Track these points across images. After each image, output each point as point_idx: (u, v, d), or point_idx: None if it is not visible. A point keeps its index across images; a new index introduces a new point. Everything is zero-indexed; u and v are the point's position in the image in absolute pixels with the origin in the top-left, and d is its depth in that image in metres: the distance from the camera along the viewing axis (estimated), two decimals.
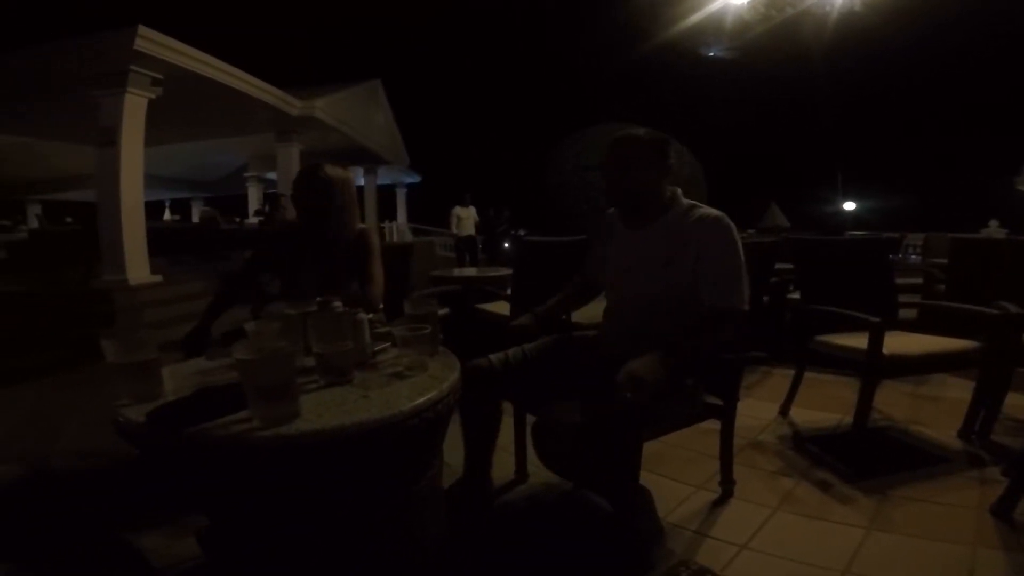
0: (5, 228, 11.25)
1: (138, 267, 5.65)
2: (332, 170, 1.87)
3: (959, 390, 2.47)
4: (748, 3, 7.12)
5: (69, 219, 14.64)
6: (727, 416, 1.65)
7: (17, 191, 13.34)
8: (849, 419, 2.29)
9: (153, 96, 5.78)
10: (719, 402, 1.62)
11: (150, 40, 5.46)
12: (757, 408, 2.48)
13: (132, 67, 5.46)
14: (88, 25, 5.82)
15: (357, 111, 11.15)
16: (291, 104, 8.62)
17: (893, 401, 2.51)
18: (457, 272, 4.13)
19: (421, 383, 1.13)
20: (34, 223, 12.80)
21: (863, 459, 1.93)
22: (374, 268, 1.91)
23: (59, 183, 12.77)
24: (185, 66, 6.04)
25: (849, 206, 19.76)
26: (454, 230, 9.82)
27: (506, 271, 3.88)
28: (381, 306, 1.85)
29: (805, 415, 2.40)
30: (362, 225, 1.98)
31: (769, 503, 1.69)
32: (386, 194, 16.27)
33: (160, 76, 5.78)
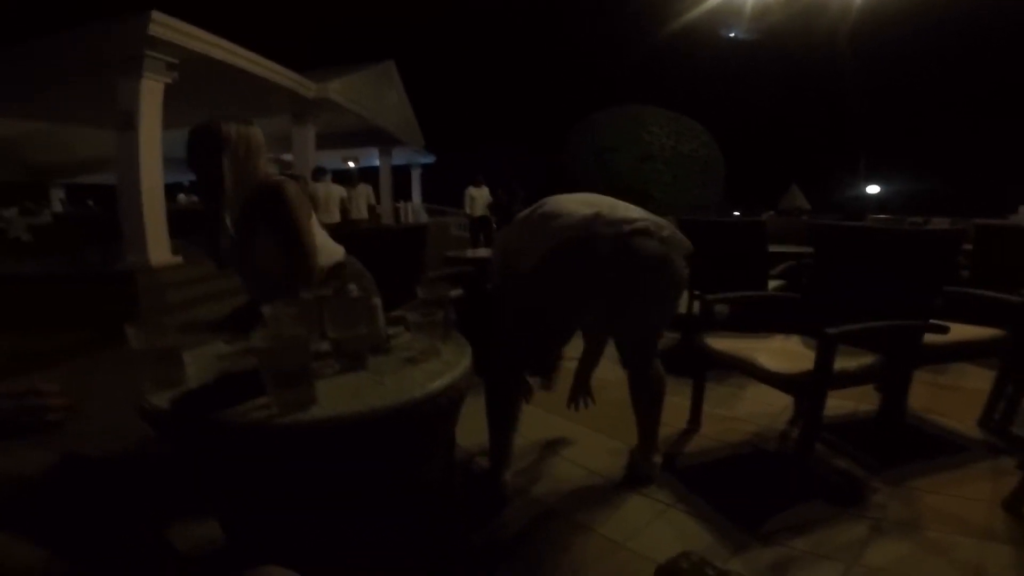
0: (30, 211, 11.47)
1: (159, 249, 5.76)
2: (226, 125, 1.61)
3: (979, 379, 2.43)
4: None
5: (91, 202, 14.90)
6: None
7: (41, 175, 13.57)
8: (865, 407, 2.28)
9: (169, 80, 5.81)
10: None
11: (164, 25, 5.49)
12: (769, 394, 2.47)
13: (147, 52, 5.50)
14: (106, 11, 5.83)
15: (371, 92, 11.12)
16: (306, 86, 8.63)
17: (911, 390, 2.47)
18: (471, 253, 4.14)
19: (434, 368, 1.15)
20: (57, 207, 13.07)
21: (881, 448, 1.93)
22: (293, 227, 1.58)
23: (81, 167, 12.98)
24: (200, 51, 6.06)
25: (872, 189, 19.33)
26: (467, 211, 9.82)
27: None
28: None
29: None
30: (277, 177, 1.65)
31: None
32: (401, 175, 16.26)
33: (175, 61, 5.81)
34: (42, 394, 0.82)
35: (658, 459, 1.85)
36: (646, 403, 1.80)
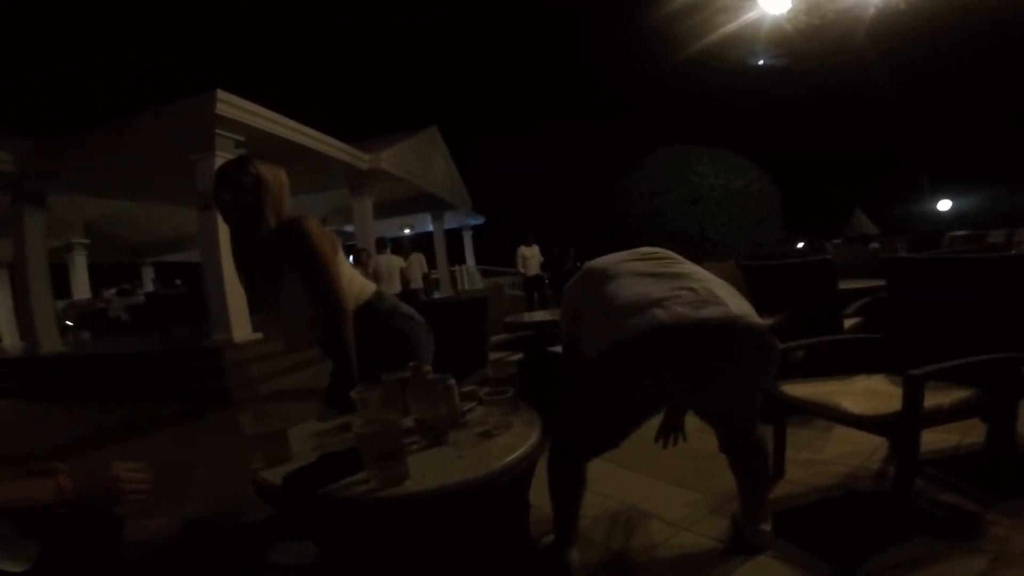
0: (126, 292, 12.56)
1: (241, 326, 6.09)
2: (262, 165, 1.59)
3: None
4: (788, 13, 6.96)
5: (178, 281, 16.22)
6: None
7: (133, 255, 14.73)
8: (970, 439, 2.10)
9: None
10: None
11: (229, 104, 5.86)
12: (859, 433, 2.32)
13: (217, 131, 5.87)
14: (166, 93, 6.23)
15: (420, 159, 11.54)
16: (360, 158, 9.00)
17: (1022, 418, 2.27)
18: (527, 317, 4.21)
19: (508, 442, 1.22)
20: (149, 286, 14.31)
21: (994, 481, 1.78)
22: (317, 264, 1.49)
23: (168, 245, 13.95)
24: (263, 128, 6.43)
25: (944, 205, 18.19)
26: (520, 270, 9.91)
27: None
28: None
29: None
30: (298, 214, 1.58)
31: None
32: (453, 238, 16.56)
33: (242, 139, 6.15)
34: (121, 482, 0.94)
35: (766, 527, 1.59)
36: (753, 472, 1.61)
